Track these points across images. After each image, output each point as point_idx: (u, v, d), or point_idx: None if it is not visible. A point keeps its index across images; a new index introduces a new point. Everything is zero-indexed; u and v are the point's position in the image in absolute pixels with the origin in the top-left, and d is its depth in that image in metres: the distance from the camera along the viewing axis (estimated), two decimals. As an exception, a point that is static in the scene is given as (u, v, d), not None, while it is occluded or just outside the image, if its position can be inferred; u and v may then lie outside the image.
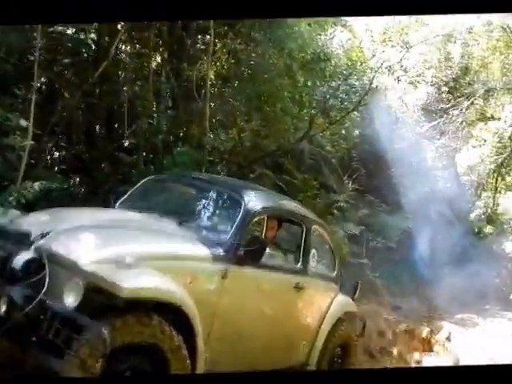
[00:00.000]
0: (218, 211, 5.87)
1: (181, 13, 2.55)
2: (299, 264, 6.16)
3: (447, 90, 16.85)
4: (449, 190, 17.90)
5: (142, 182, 6.32)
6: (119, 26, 9.69)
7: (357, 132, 14.90)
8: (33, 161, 8.91)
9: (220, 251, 4.94)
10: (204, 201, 5.98)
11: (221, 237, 5.13)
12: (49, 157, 9.23)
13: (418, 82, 14.23)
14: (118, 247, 4.34)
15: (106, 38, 10.11)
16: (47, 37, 9.06)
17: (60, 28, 9.30)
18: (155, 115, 10.20)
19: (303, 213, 6.58)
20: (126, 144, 10.32)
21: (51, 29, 9.21)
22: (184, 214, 5.54)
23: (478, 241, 17.34)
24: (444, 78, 16.76)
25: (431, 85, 16.27)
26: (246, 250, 5.05)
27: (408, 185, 16.25)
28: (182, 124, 10.95)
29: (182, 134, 10.86)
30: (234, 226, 5.17)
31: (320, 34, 12.62)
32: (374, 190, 16.56)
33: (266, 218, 6.67)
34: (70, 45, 9.68)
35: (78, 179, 9.61)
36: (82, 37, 9.78)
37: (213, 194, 5.91)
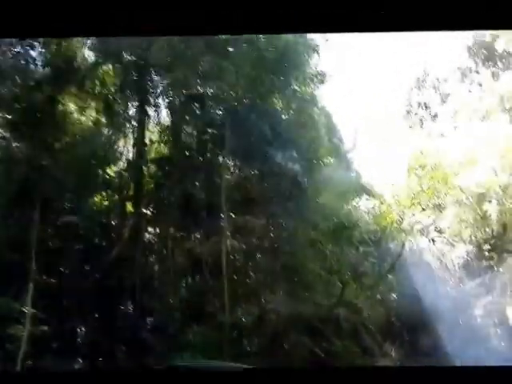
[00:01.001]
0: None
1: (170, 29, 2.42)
2: None
3: (488, 247, 15.80)
4: (506, 350, 16.07)
5: None
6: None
7: (394, 296, 13.87)
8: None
9: None
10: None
11: None
12: (56, 344, 8.63)
13: (456, 241, 13.30)
14: None
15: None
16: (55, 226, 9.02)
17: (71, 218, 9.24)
18: (171, 295, 9.62)
19: None
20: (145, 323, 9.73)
21: (60, 221, 9.20)
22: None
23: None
24: (483, 236, 15.80)
25: (470, 243, 15.32)
26: None
27: (459, 346, 14.79)
28: (199, 302, 10.36)
29: (198, 313, 10.18)
30: None
31: (345, 205, 12.29)
32: (421, 354, 15.11)
33: None
34: (81, 232, 9.55)
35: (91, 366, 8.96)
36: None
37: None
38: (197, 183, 11.47)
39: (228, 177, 12.28)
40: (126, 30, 2.51)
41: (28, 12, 2.10)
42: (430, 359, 14.75)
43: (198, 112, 10.98)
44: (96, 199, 10.98)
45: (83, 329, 10.01)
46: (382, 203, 13.17)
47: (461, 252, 14.86)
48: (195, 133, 12.05)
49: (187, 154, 11.80)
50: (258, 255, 11.42)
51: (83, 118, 11.11)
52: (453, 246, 13.52)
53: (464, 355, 14.67)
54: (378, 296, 13.58)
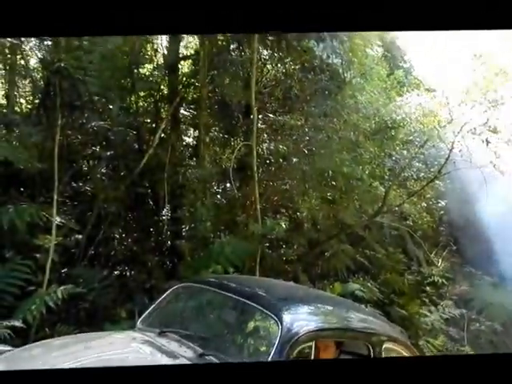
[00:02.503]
0: (247, 337, 4.98)
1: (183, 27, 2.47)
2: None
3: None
4: None
5: (168, 292, 5.81)
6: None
7: (442, 202, 13.81)
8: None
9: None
10: (231, 319, 5.29)
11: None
12: (86, 253, 9.09)
13: (516, 139, 12.82)
14: None
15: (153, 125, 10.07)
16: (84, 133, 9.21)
17: (102, 123, 9.37)
18: (199, 203, 9.85)
19: (370, 328, 5.50)
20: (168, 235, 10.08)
21: (92, 124, 9.34)
22: (207, 340, 4.87)
23: None
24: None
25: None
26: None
27: (512, 256, 14.77)
28: (231, 210, 10.60)
29: (230, 221, 10.44)
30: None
31: (389, 101, 11.94)
32: (473, 259, 15.20)
33: (314, 344, 4.84)
34: (113, 137, 9.71)
35: (116, 274, 9.48)
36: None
37: (242, 311, 5.11)
38: (233, 81, 11.30)
39: (264, 73, 12.13)
40: (124, 28, 2.47)
41: (25, 11, 2.09)
42: (479, 270, 14.87)
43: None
44: (129, 101, 10.92)
45: (116, 237, 10.40)
46: (431, 99, 12.76)
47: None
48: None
49: (222, 48, 11.59)
50: (294, 159, 11.41)
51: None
52: (510, 145, 13.07)
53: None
54: (424, 204, 13.56)
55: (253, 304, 4.94)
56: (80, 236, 9.15)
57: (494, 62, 12.49)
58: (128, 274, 9.77)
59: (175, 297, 5.79)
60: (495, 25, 2.21)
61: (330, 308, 5.85)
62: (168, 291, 5.82)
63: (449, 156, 11.78)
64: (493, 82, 12.27)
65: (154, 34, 8.64)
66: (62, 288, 7.58)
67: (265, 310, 4.78)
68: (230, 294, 5.28)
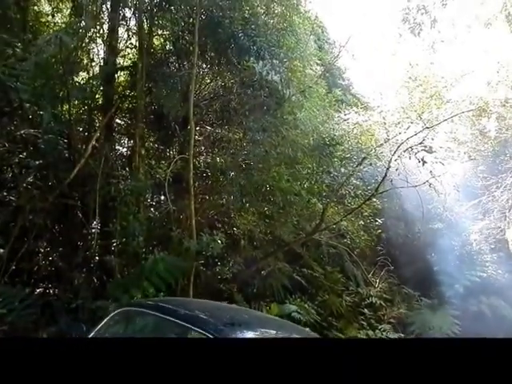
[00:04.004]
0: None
1: None
2: None
3: (486, 166, 16.07)
4: (502, 278, 16.54)
5: (109, 317, 5.56)
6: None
7: (379, 220, 14.18)
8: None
9: None
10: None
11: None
12: (8, 269, 8.79)
13: (449, 160, 13.37)
14: None
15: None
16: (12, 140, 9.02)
17: (32, 131, 9.21)
18: (132, 216, 9.73)
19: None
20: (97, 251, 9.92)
21: (21, 131, 9.16)
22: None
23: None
24: (481, 154, 16.02)
25: (467, 161, 15.54)
26: None
27: (452, 273, 15.24)
28: (165, 225, 10.56)
29: (164, 237, 10.39)
30: None
31: (328, 118, 12.26)
32: (410, 280, 15.59)
33: None
34: (42, 146, 9.54)
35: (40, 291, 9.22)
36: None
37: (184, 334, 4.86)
38: (171, 93, 11.35)
39: (202, 86, 12.29)
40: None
41: None
42: (417, 291, 15.26)
43: (171, 16, 10.82)
44: (61, 109, 10.78)
45: (41, 251, 10.14)
46: (368, 118, 13.20)
47: (454, 172, 15.06)
48: (171, 38, 11.95)
49: (161, 61, 11.68)
50: (232, 173, 11.51)
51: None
52: (445, 165, 13.60)
53: (457, 284, 15.19)
54: (361, 222, 13.88)
55: (199, 330, 4.73)
56: (1, 250, 8.84)
57: (430, 85, 13.11)
58: (52, 292, 9.50)
59: (115, 323, 5.53)
60: None
61: (273, 332, 5.79)
62: (108, 317, 5.58)
63: (386, 174, 12.09)
64: (428, 104, 12.84)
65: None
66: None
67: (206, 334, 4.57)
68: (175, 320, 5.06)
